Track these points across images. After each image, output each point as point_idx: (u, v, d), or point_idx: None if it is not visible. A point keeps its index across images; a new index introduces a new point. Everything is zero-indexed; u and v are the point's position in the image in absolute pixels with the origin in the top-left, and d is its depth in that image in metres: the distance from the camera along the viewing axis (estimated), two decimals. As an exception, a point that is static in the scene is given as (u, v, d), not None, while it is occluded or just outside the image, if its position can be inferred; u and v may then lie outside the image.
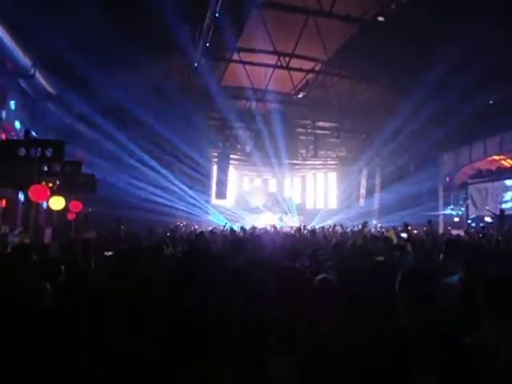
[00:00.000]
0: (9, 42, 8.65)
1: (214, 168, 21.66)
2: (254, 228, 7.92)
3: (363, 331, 1.98)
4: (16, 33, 8.83)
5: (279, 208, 25.18)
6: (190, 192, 18.78)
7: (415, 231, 11.08)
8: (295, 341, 2.17)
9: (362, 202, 22.20)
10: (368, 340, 1.84)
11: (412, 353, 1.61)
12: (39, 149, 7.30)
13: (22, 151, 7.36)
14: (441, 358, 1.54)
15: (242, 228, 10.42)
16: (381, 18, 10.97)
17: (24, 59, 9.51)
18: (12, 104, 10.83)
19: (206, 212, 20.54)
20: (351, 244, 6.00)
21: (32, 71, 9.98)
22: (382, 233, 11.12)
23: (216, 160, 21.34)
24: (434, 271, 3.88)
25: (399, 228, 9.89)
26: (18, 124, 11.13)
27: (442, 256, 4.27)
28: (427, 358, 1.55)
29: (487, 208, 15.33)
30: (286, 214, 24.45)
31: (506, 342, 1.68)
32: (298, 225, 10.41)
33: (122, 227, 9.71)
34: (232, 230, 6.04)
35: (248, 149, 21.67)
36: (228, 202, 23.34)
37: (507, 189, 15.54)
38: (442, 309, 2.19)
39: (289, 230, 14.96)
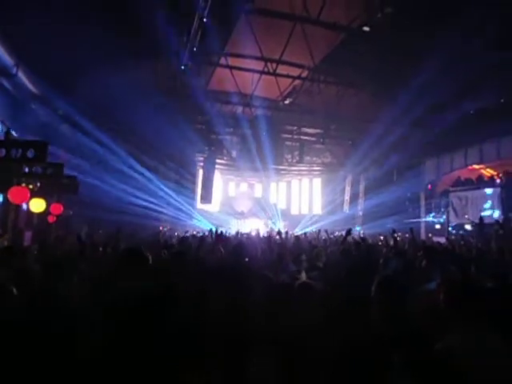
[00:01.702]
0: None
1: (200, 172, 21.59)
2: (237, 233, 7.89)
3: (340, 333, 2.00)
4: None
5: (264, 213, 25.21)
6: (175, 196, 18.65)
7: (398, 238, 11.24)
8: (276, 341, 2.19)
9: (346, 208, 22.42)
10: (344, 342, 1.86)
11: (383, 356, 1.64)
12: (20, 150, 7.15)
13: (2, 152, 7.20)
14: (411, 363, 1.56)
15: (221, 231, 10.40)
16: (366, 28, 11.16)
17: (6, 58, 9.34)
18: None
19: (191, 216, 20.42)
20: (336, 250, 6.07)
21: (14, 70, 9.81)
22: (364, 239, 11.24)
23: (202, 164, 21.27)
24: (413, 278, 3.94)
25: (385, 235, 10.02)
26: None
27: (423, 263, 4.35)
28: (398, 361, 1.57)
29: (466, 216, 15.67)
30: (270, 219, 24.50)
31: (472, 346, 1.72)
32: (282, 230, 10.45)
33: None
34: (211, 232, 5.98)
35: (234, 154, 21.69)
36: (213, 207, 23.27)
37: (487, 198, 15.91)
38: (418, 314, 2.23)
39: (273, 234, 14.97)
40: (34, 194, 9.05)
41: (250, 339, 2.30)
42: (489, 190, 16.01)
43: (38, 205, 9.34)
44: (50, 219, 11.25)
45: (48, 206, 10.06)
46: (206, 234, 8.55)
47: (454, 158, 17.10)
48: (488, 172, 16.65)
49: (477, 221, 13.67)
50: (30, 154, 7.18)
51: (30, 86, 11.33)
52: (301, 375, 1.99)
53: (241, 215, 25.27)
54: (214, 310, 2.74)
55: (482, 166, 16.59)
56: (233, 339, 2.34)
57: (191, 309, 2.60)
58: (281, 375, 2.07)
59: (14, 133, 10.18)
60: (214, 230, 6.67)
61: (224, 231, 10.33)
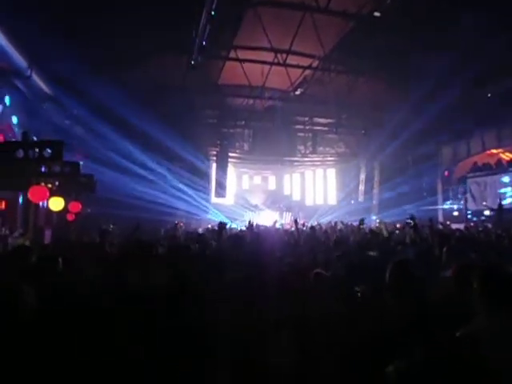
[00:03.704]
0: (5, 43, 8.66)
1: (213, 166, 21.64)
2: (251, 225, 7.90)
3: (355, 320, 2.01)
4: (12, 34, 8.84)
5: (279, 205, 25.20)
6: (190, 191, 18.77)
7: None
8: (294, 322, 2.22)
9: (361, 197, 22.21)
10: (360, 329, 1.87)
11: (400, 342, 1.64)
12: (37, 150, 7.31)
13: (20, 153, 7.36)
14: (430, 350, 1.56)
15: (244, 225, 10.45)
16: (377, 14, 10.95)
17: (20, 60, 9.52)
18: (7, 101, 10.79)
19: (206, 211, 20.53)
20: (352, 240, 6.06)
21: (28, 72, 9.99)
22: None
23: (215, 158, 21.32)
24: (433, 264, 3.91)
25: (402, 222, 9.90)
26: (15, 119, 11.06)
27: (443, 250, 4.30)
28: (414, 347, 1.57)
29: (484, 203, 15.35)
30: (285, 212, 24.47)
31: (499, 333, 1.70)
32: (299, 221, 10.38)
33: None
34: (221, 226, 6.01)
35: (246, 147, 21.67)
36: (227, 201, 23.34)
37: (506, 184, 15.57)
38: (438, 300, 2.22)
39: (288, 227, 14.98)
40: (53, 192, 9.24)
41: (266, 324, 2.34)
42: (507, 178, 15.65)
43: (56, 203, 9.54)
44: (69, 217, 11.48)
45: (66, 204, 10.27)
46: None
47: (470, 143, 16.75)
48: (507, 156, 16.25)
49: (496, 207, 13.39)
50: (46, 153, 7.33)
51: (44, 88, 11.53)
52: (316, 361, 2.01)
53: (255, 208, 25.30)
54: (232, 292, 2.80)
55: (500, 150, 16.21)
56: (248, 324, 2.39)
57: (206, 299, 2.64)
58: (296, 361, 2.10)
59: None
60: (225, 223, 6.71)
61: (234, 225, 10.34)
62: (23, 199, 10.37)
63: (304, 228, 11.62)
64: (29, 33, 8.81)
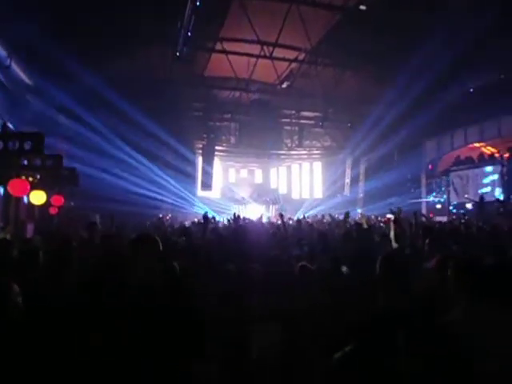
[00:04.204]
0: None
1: (199, 159, 21.53)
2: (238, 218, 7.87)
3: (343, 312, 2.03)
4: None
5: (265, 199, 25.26)
6: (176, 184, 18.65)
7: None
8: (280, 315, 2.24)
9: (347, 191, 22.41)
10: (347, 321, 1.89)
11: (386, 332, 1.66)
12: (17, 142, 7.12)
13: (0, 145, 7.17)
14: (414, 338, 1.59)
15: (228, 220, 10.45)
16: (363, 7, 10.97)
17: (-1, 50, 9.25)
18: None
19: (192, 204, 20.45)
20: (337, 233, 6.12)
21: (8, 62, 9.71)
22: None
23: (201, 151, 21.21)
24: (415, 257, 3.97)
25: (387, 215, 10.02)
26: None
27: (425, 242, 4.36)
28: (402, 337, 1.60)
29: (466, 196, 15.66)
30: (272, 204, 24.56)
31: (475, 324, 1.74)
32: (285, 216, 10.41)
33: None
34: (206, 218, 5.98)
35: (233, 140, 21.60)
36: (214, 194, 23.28)
37: (487, 176, 15.89)
38: (420, 291, 2.26)
39: (275, 220, 15.04)
40: (34, 186, 9.04)
41: (253, 315, 2.35)
42: (489, 168, 15.98)
43: (38, 197, 9.34)
44: (52, 211, 11.27)
45: (48, 197, 10.06)
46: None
47: (454, 136, 17.02)
48: (489, 150, 16.57)
49: (477, 199, 13.68)
50: (27, 146, 7.15)
51: (25, 78, 11.23)
52: (303, 352, 2.03)
53: (242, 201, 25.31)
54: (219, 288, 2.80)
55: (482, 144, 16.51)
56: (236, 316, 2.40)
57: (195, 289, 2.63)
58: (284, 350, 2.12)
59: (10, 126, 10.12)
60: (209, 215, 6.67)
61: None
62: (4, 192, 10.11)
63: (290, 222, 11.69)
64: (8, 20, 8.55)
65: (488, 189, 15.54)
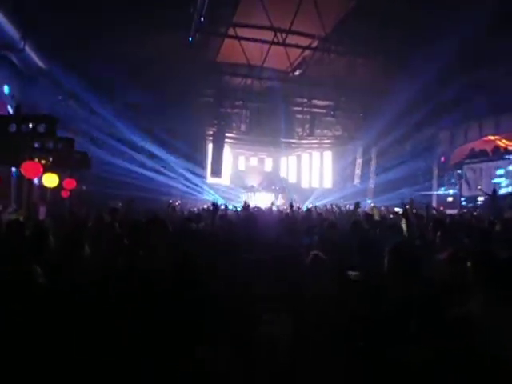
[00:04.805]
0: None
1: (210, 146, 21.50)
2: (248, 206, 7.87)
3: (353, 303, 2.03)
4: (4, 5, 8.58)
5: (274, 187, 25.23)
6: (185, 171, 18.70)
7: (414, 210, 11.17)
8: (291, 304, 2.25)
9: (357, 181, 22.25)
10: (357, 311, 1.89)
11: (398, 322, 1.66)
12: (30, 125, 7.19)
13: (13, 127, 7.24)
14: (426, 329, 1.58)
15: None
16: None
17: (13, 32, 9.27)
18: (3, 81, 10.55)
19: (201, 191, 20.51)
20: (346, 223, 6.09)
21: (21, 45, 9.74)
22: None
23: (211, 138, 21.17)
24: (426, 249, 3.94)
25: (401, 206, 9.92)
26: (6, 89, 10.77)
27: (438, 235, 4.33)
28: (413, 327, 1.59)
29: (479, 187, 15.40)
30: (281, 193, 24.52)
31: (490, 315, 1.73)
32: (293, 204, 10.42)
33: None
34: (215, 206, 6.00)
35: (244, 127, 21.50)
36: (223, 181, 23.30)
37: (500, 168, 15.62)
38: (431, 283, 2.24)
39: (284, 208, 15.04)
40: (47, 169, 9.15)
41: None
42: (503, 162, 15.69)
43: (51, 179, 9.45)
44: (64, 194, 11.41)
45: (61, 180, 10.18)
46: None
47: (468, 129, 16.70)
48: (503, 143, 16.26)
49: (490, 192, 13.48)
50: (40, 128, 7.21)
51: (38, 61, 11.27)
52: (312, 341, 2.04)
53: (251, 189, 25.31)
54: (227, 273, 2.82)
55: (497, 137, 16.20)
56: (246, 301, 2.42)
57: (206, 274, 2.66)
58: (292, 338, 2.13)
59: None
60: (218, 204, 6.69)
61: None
62: (16, 175, 10.25)
63: (299, 211, 11.67)
64: (22, 4, 8.56)
65: (502, 182, 15.28)
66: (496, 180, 15.49)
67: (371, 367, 1.78)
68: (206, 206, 13.83)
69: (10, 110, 10.37)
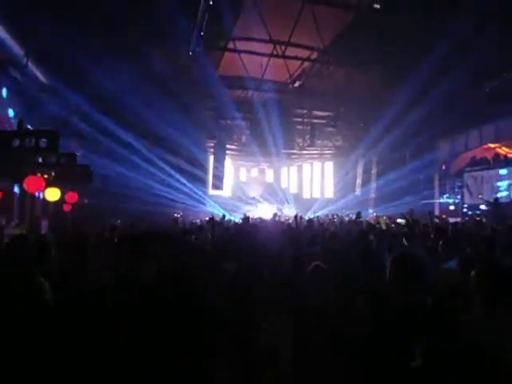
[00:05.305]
0: (1, 31, 8.54)
1: (211, 158, 21.59)
2: (247, 218, 7.89)
3: (351, 308, 2.03)
4: (8, 22, 8.72)
5: (276, 198, 25.23)
6: (187, 183, 18.74)
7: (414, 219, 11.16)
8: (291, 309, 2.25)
9: (358, 191, 22.23)
10: (358, 320, 1.89)
11: (399, 330, 1.65)
12: (33, 139, 7.25)
13: (16, 142, 7.30)
14: (428, 338, 1.58)
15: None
16: (377, 6, 10.90)
17: (16, 48, 9.41)
18: (5, 93, 10.67)
19: (203, 203, 20.52)
20: (347, 233, 6.09)
21: (24, 61, 9.87)
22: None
23: (212, 150, 21.26)
24: (428, 257, 3.93)
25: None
26: (11, 112, 10.96)
27: (440, 243, 4.32)
28: (414, 336, 1.59)
29: (480, 196, 15.36)
30: (282, 204, 24.51)
31: (494, 322, 1.72)
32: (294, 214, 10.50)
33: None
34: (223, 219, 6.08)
35: (244, 139, 21.60)
36: (225, 193, 23.34)
37: (502, 177, 15.60)
38: (434, 290, 2.24)
39: (286, 219, 15.02)
40: (49, 183, 9.20)
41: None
42: (504, 170, 15.68)
43: (53, 193, 9.50)
44: (66, 208, 11.44)
45: (63, 194, 10.22)
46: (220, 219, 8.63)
47: (468, 137, 16.72)
48: (504, 151, 16.27)
49: (492, 200, 13.45)
50: (42, 143, 7.27)
51: (41, 77, 11.41)
52: (312, 350, 2.04)
53: (253, 200, 25.32)
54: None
55: (497, 145, 16.21)
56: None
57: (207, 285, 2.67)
58: (292, 345, 2.13)
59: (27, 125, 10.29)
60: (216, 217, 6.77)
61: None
62: (19, 189, 10.29)
63: (301, 221, 11.66)
64: (25, 20, 8.69)
65: (503, 191, 15.24)
66: (497, 189, 15.43)
67: (371, 370, 1.78)
68: (207, 218, 13.84)
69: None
